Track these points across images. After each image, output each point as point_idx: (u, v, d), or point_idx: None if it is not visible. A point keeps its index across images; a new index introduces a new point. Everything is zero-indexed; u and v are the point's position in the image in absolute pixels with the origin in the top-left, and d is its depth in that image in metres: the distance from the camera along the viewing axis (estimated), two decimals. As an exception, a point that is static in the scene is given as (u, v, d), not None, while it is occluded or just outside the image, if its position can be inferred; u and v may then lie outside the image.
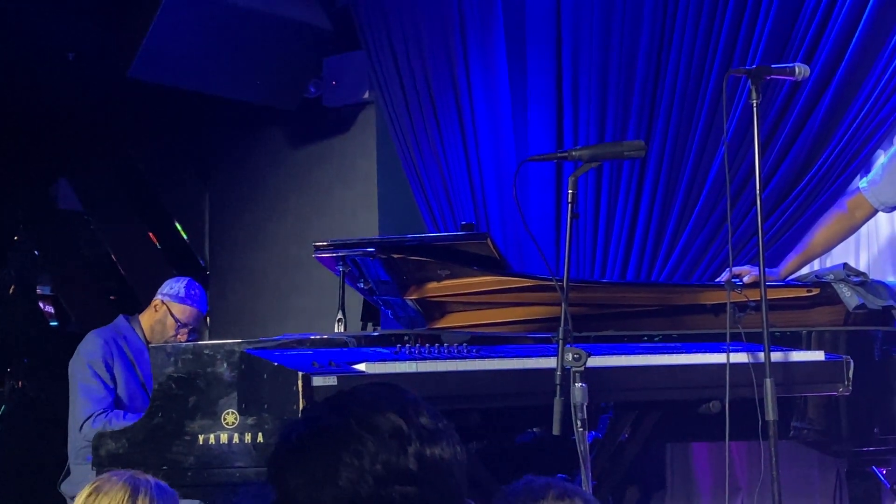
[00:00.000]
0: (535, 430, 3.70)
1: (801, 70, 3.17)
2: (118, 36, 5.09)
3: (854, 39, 4.42)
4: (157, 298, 4.63)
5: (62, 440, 4.47)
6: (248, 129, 6.21)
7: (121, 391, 4.41)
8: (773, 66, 3.21)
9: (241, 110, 5.93)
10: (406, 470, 1.36)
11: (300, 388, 2.70)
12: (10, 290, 6.63)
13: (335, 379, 2.74)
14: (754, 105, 3.08)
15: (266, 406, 2.93)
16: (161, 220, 6.80)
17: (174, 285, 4.65)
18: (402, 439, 1.37)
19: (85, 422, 4.28)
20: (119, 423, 4.07)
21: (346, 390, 1.45)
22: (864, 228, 4.24)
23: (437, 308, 4.04)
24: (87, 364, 4.38)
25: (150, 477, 2.28)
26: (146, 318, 4.63)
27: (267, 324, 5.84)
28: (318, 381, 2.71)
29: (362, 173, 5.76)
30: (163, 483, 2.29)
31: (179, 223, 6.69)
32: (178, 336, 4.57)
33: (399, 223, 5.62)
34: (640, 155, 3.00)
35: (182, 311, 4.59)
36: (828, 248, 4.13)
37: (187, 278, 4.75)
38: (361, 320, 4.39)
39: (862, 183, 3.99)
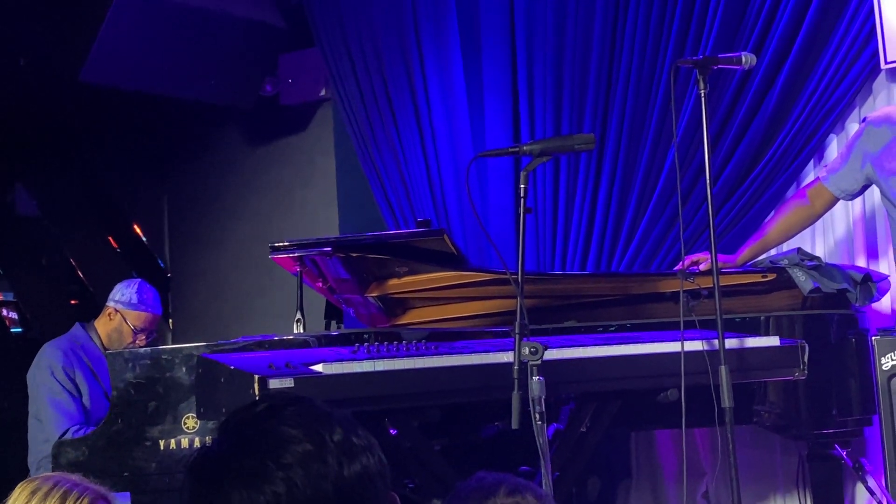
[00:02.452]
0: (497, 424, 3.71)
1: (748, 59, 3.19)
2: (68, 40, 5.04)
3: (804, 25, 4.45)
4: (110, 306, 4.51)
5: (25, 449, 4.42)
6: (205, 129, 6.18)
7: (85, 401, 4.34)
8: (720, 55, 3.22)
9: (198, 110, 5.89)
10: (327, 497, 1.34)
11: (256, 391, 2.69)
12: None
13: (292, 381, 2.73)
14: (702, 95, 3.11)
15: (224, 410, 2.91)
16: (120, 223, 6.75)
17: (125, 291, 4.51)
18: (320, 473, 1.34)
19: (62, 437, 4.08)
20: None
21: (256, 413, 1.41)
22: (820, 220, 4.23)
23: (399, 304, 4.04)
24: (52, 375, 4.27)
25: (89, 484, 2.22)
26: (102, 326, 4.52)
27: (229, 325, 5.81)
28: (274, 383, 2.70)
29: (321, 171, 5.74)
30: (109, 496, 2.23)
31: (138, 226, 6.64)
32: (137, 342, 4.49)
33: (359, 221, 5.61)
34: (591, 148, 3.01)
35: (137, 317, 4.48)
36: (786, 238, 4.13)
37: (138, 281, 4.62)
38: (325, 318, 4.38)
39: (820, 172, 3.99)
